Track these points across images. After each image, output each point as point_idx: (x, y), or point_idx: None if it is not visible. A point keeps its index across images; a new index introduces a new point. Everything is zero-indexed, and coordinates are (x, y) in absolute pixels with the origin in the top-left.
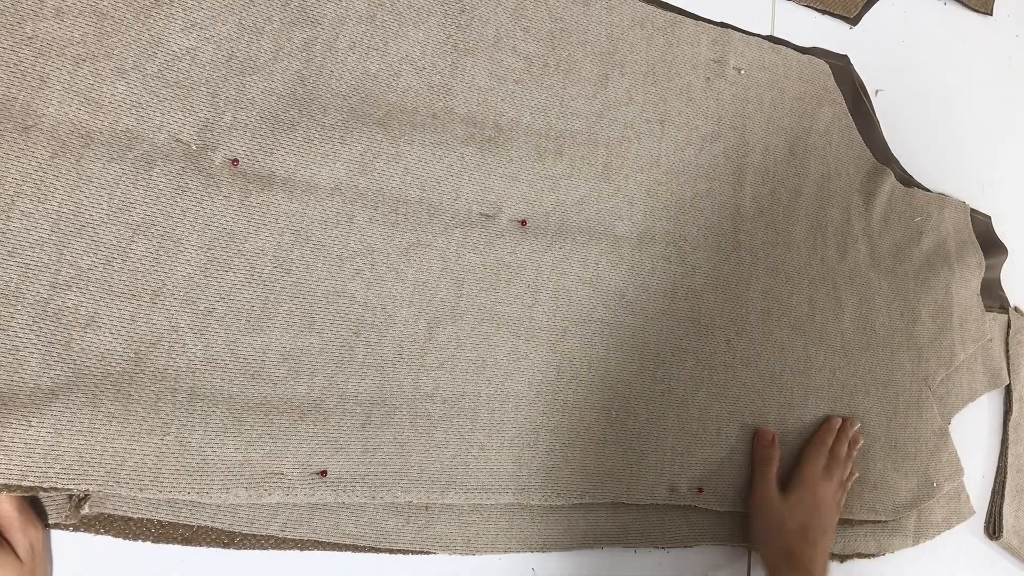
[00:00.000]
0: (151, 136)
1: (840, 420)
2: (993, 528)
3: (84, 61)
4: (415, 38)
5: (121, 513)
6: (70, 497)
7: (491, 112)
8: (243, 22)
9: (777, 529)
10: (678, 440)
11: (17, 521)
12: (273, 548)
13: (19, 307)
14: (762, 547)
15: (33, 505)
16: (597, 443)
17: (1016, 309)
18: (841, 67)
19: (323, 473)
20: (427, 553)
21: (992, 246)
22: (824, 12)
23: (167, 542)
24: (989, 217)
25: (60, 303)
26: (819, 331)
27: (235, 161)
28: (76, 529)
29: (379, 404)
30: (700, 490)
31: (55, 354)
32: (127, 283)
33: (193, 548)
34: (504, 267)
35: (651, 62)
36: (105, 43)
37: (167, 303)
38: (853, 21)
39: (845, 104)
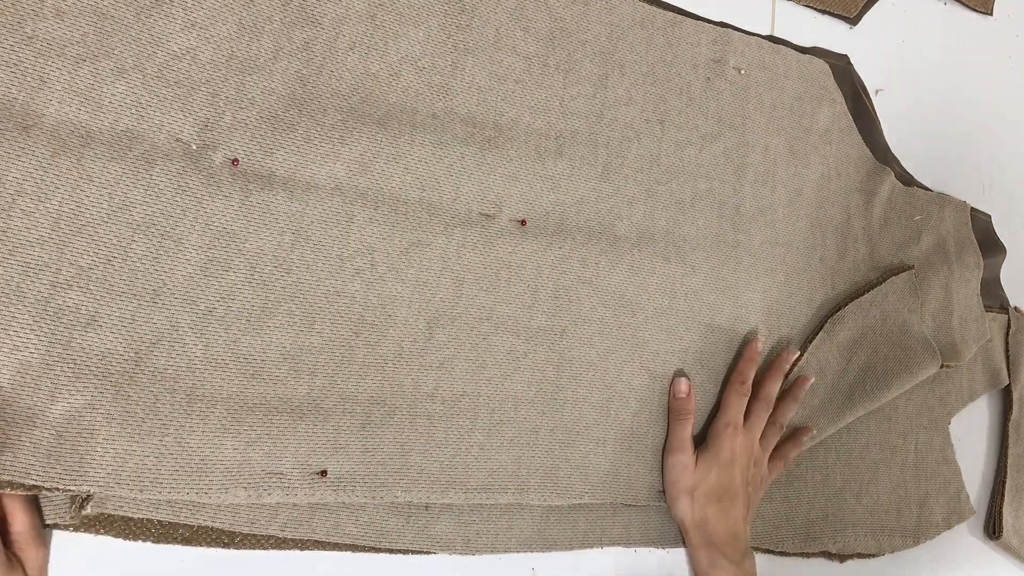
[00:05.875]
0: (151, 136)
1: (759, 344)
2: (993, 528)
3: (84, 61)
4: (415, 38)
5: (121, 513)
6: (72, 498)
7: (491, 112)
8: (243, 22)
9: (690, 496)
10: None
11: (31, 538)
12: (273, 548)
13: (20, 306)
14: (676, 517)
15: None
16: (596, 443)
17: (1016, 309)
18: (841, 67)
19: (323, 473)
20: (427, 553)
21: (992, 245)
22: (824, 12)
23: (167, 542)
24: (989, 216)
25: (61, 302)
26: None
27: (235, 161)
28: (76, 529)
29: (379, 404)
30: None
31: (55, 354)
32: (127, 283)
33: (193, 548)
34: (504, 267)
35: (651, 62)
36: (105, 43)
37: (167, 303)
38: (853, 21)
39: (845, 104)
